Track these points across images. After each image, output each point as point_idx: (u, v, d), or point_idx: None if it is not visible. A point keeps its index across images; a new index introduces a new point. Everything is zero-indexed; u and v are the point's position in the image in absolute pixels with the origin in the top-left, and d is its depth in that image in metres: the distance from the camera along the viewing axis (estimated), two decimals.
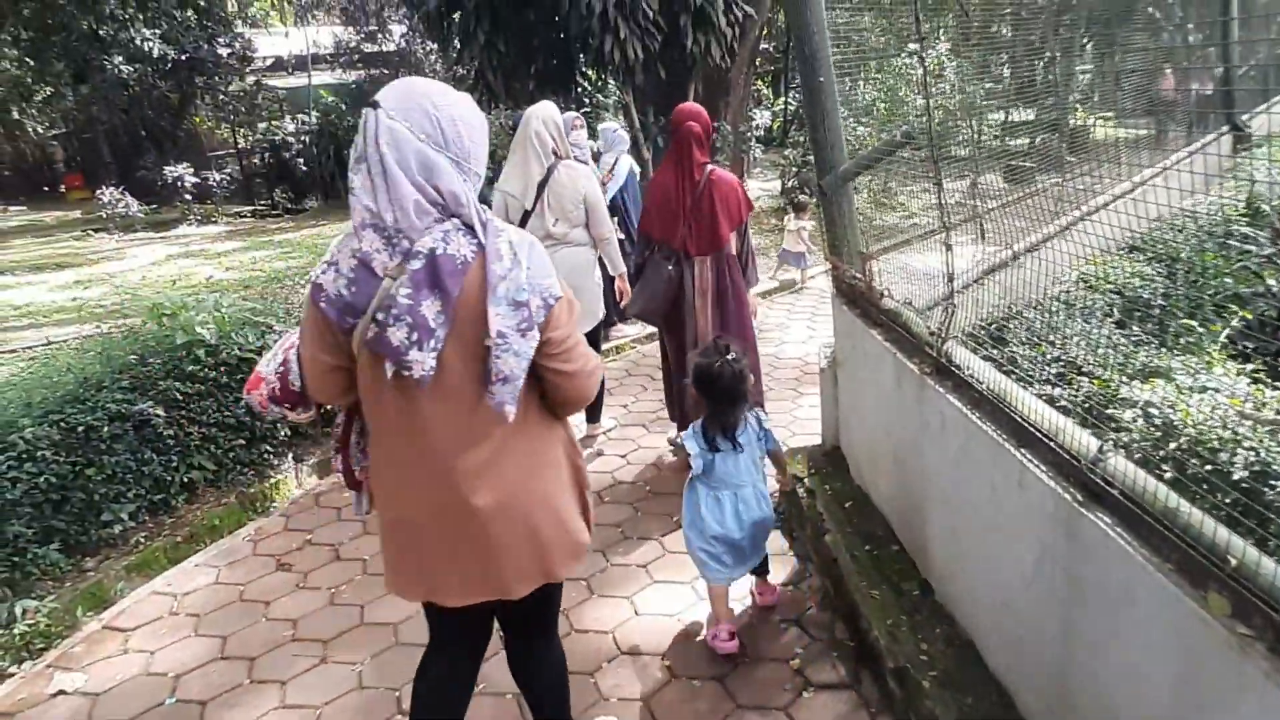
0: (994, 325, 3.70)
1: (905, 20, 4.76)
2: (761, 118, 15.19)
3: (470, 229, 1.61)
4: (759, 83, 19.52)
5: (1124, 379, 2.52)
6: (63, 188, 26.40)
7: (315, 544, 3.92)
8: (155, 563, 3.78)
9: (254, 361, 4.33)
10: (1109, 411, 2.22)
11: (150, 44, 19.36)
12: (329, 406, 2.00)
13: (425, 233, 1.56)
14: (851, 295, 3.29)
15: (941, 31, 5.12)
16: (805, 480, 3.52)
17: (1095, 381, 2.49)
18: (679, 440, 3.29)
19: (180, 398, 4.10)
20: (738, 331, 4.21)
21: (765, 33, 14.87)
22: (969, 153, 3.78)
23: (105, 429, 3.78)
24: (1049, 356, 2.86)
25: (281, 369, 1.89)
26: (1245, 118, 9.20)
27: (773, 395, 5.41)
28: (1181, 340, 3.13)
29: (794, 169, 13.02)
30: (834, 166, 3.29)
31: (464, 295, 1.58)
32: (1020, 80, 4.67)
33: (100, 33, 19.38)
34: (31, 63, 21.19)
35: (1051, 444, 1.84)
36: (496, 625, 2.12)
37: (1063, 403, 2.22)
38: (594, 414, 4.93)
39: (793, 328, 6.97)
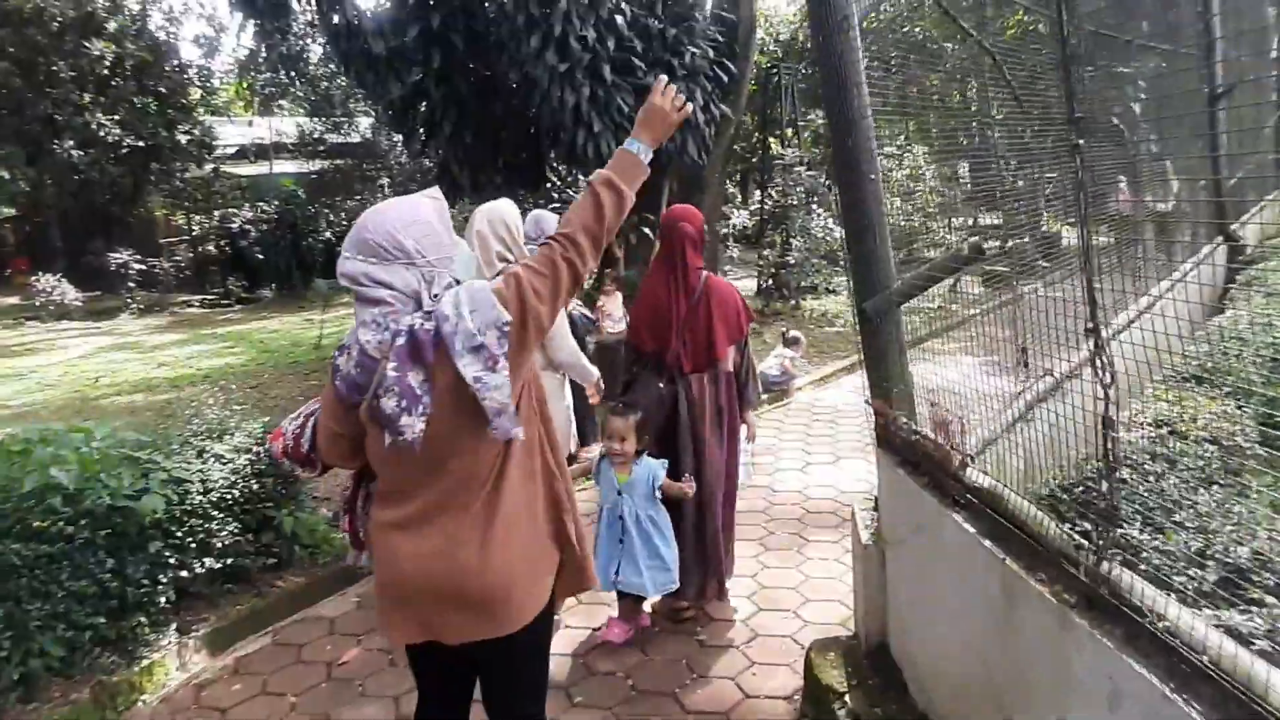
0: (1068, 484, 2.93)
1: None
2: (739, 216, 14.83)
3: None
4: (727, 182, 19.35)
5: None
6: (8, 271, 25.23)
7: None
8: None
9: (128, 510, 3.44)
10: None
11: (106, 129, 18.72)
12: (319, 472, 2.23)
13: (406, 315, 1.81)
14: (908, 454, 2.49)
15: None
16: (845, 696, 2.64)
17: None
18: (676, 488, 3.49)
19: (20, 563, 3.14)
20: (727, 461, 3.73)
21: (736, 133, 14.65)
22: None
23: None
24: (1188, 547, 2.07)
25: (298, 430, 2.10)
26: (1234, 227, 8.87)
27: (773, 542, 4.56)
28: None
29: (771, 269, 12.52)
30: (881, 286, 2.54)
31: (438, 361, 1.79)
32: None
33: (57, 117, 18.72)
34: None
35: None
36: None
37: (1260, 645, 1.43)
38: None
39: (786, 452, 6.17)
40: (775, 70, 14.31)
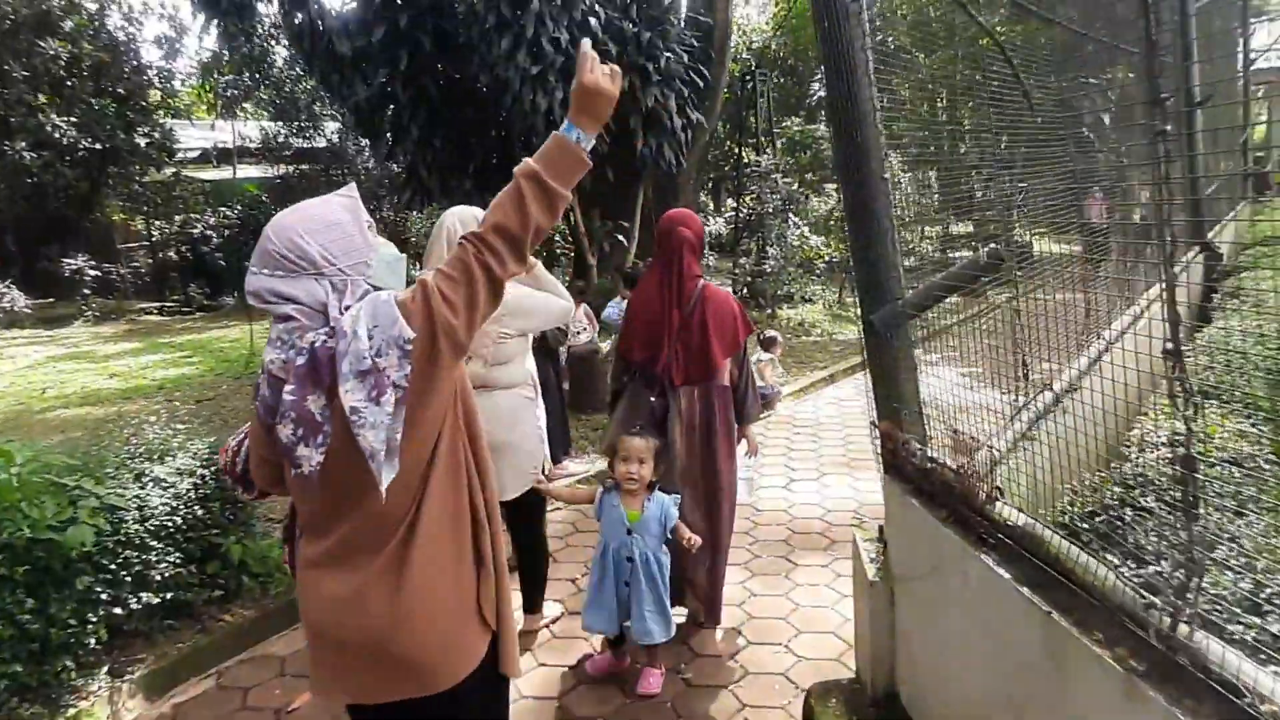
0: (1083, 508, 2.71)
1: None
2: (714, 224, 14.65)
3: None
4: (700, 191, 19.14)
5: None
6: None
7: None
8: None
9: (52, 542, 3.11)
10: None
11: (61, 131, 18.10)
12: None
13: (311, 331, 1.59)
14: (922, 482, 2.25)
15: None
16: None
17: None
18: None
19: None
20: (714, 491, 3.53)
21: (710, 141, 14.48)
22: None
23: None
24: (1237, 588, 1.85)
25: (236, 448, 1.99)
26: (1211, 235, 8.81)
27: (759, 566, 4.31)
28: None
29: (747, 278, 12.33)
30: (890, 296, 2.30)
31: (336, 385, 1.57)
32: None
33: (10, 118, 18.07)
34: None
35: None
36: None
37: None
38: (532, 599, 3.74)
39: (768, 468, 5.92)
40: (749, 78, 14.17)
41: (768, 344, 7.97)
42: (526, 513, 3.62)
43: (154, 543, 3.52)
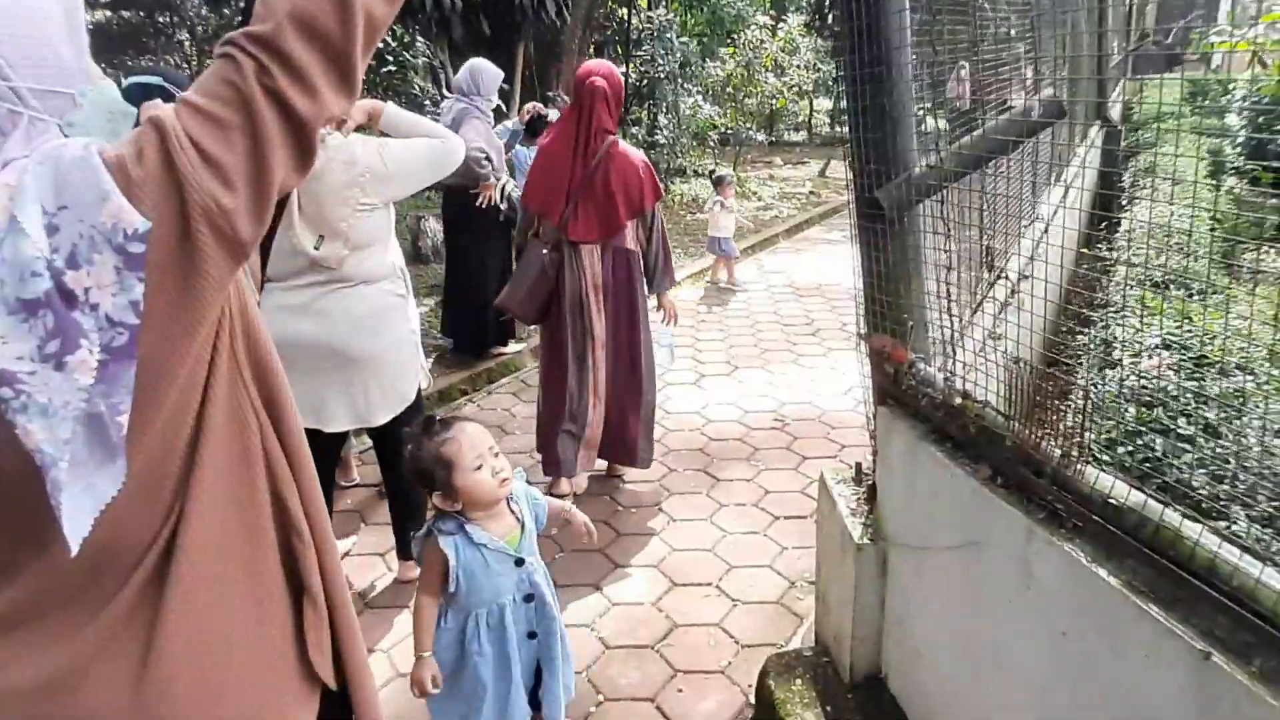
0: (1116, 436, 2.23)
1: None
2: None
3: None
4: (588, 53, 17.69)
5: None
6: None
7: None
8: None
9: None
10: None
11: None
12: None
13: None
14: (943, 422, 1.66)
15: None
16: None
17: None
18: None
19: None
20: (627, 347, 3.52)
21: None
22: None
23: None
24: None
25: None
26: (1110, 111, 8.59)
27: (676, 484, 3.77)
28: None
29: (638, 149, 11.47)
30: (902, 166, 1.63)
31: None
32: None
33: None
34: None
35: None
36: None
37: None
38: (406, 544, 3.09)
39: (675, 361, 5.33)
40: None
41: (719, 183, 7.21)
42: (398, 441, 2.91)
43: None
